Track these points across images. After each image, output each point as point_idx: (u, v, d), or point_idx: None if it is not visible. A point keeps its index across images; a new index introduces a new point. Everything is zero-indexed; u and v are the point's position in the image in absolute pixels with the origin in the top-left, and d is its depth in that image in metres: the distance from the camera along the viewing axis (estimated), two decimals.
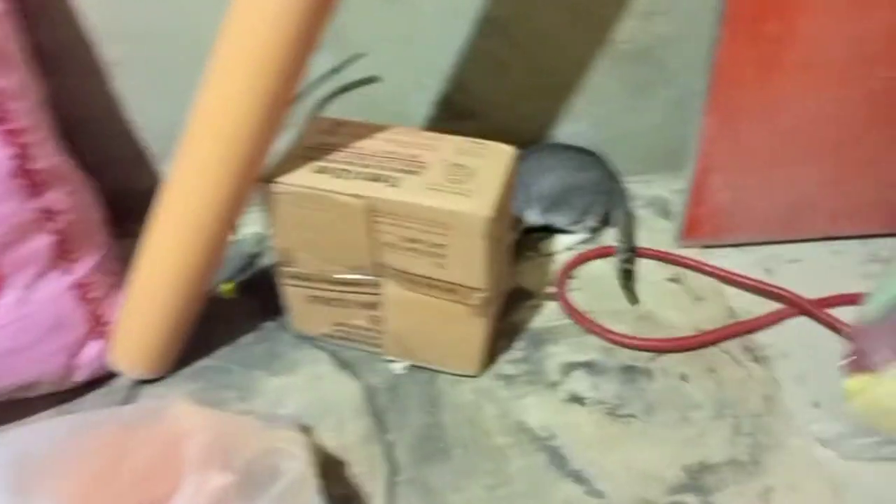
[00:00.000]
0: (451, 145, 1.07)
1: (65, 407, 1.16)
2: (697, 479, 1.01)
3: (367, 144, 1.06)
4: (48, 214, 1.06)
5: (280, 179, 1.00)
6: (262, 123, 0.94)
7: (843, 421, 1.02)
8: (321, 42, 0.96)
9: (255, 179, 1.01)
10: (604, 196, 1.36)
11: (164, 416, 0.88)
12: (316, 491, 0.85)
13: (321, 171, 1.01)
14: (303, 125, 1.12)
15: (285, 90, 0.94)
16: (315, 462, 0.95)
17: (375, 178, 0.99)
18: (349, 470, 1.05)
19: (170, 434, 0.85)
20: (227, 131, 0.93)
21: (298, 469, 0.85)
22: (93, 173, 1.26)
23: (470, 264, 0.99)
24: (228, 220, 1.04)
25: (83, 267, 1.13)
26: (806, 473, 1.02)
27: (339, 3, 0.95)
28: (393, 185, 0.98)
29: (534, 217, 1.35)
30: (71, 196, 1.10)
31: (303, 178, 1.00)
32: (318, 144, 1.06)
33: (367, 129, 1.09)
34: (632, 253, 1.33)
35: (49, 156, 1.06)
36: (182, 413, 0.89)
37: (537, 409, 1.11)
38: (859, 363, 1.09)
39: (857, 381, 1.05)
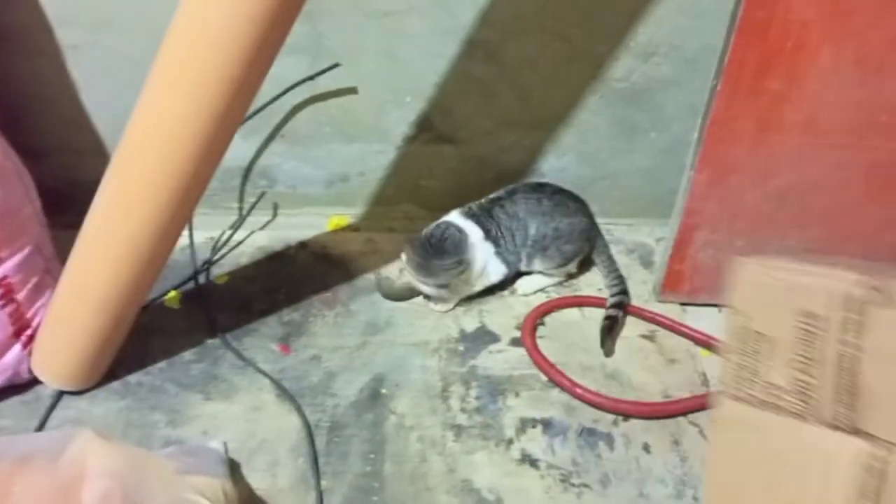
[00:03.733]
0: None
1: None
2: None
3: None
4: None
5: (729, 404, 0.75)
6: (206, 139, 0.84)
7: None
8: (274, 56, 0.86)
9: (199, 195, 0.92)
10: (588, 244, 1.29)
11: (67, 450, 0.79)
12: None
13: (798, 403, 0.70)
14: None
15: (235, 103, 0.84)
16: None
17: None
18: None
19: (69, 474, 0.76)
20: (168, 143, 0.84)
21: None
22: (39, 159, 1.17)
23: None
24: (167, 233, 0.95)
25: (7, 265, 1.04)
26: None
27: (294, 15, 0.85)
28: None
29: (521, 264, 1.27)
30: None
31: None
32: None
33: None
34: (624, 296, 1.25)
35: None
36: (87, 448, 0.79)
37: (487, 468, 1.03)
38: None
39: None
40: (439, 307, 1.25)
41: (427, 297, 1.25)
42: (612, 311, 1.22)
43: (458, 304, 1.26)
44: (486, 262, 1.23)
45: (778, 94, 1.05)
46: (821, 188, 1.14)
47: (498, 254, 1.23)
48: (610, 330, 1.20)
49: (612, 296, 1.25)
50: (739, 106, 1.06)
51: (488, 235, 1.21)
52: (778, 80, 1.04)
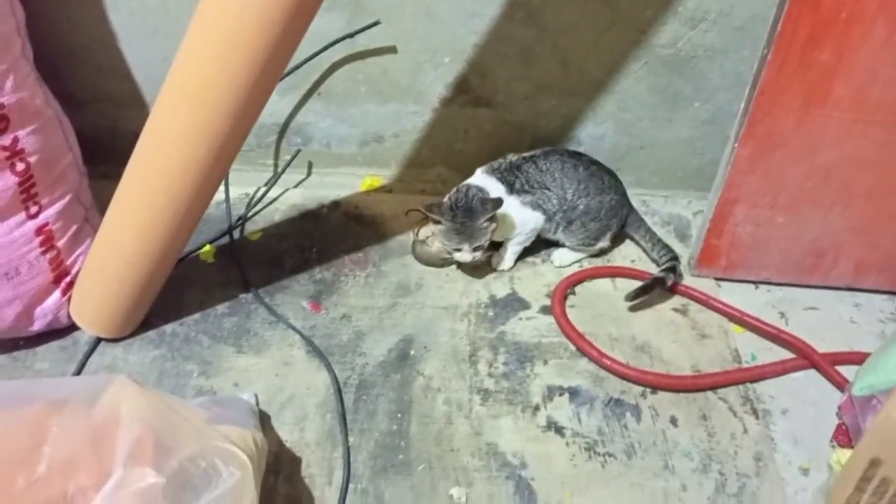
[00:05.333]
0: None
1: (17, 355, 1.10)
2: None
3: None
4: (12, 153, 0.98)
5: None
6: (245, 94, 0.84)
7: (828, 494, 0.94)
8: (315, 10, 0.85)
9: (237, 149, 0.92)
10: (616, 221, 1.27)
11: (103, 395, 0.81)
12: (252, 503, 0.77)
13: None
14: None
15: (275, 58, 0.84)
16: (260, 466, 0.88)
17: None
18: (303, 469, 0.99)
19: (103, 419, 0.78)
20: (209, 96, 0.84)
21: (238, 476, 0.77)
22: (78, 108, 1.18)
23: None
24: (204, 186, 0.95)
25: (49, 212, 1.06)
26: None
27: None
28: None
29: (548, 233, 1.27)
30: (39, 135, 1.01)
31: None
32: None
33: None
34: (677, 262, 1.24)
35: (17, 90, 0.97)
36: (122, 395, 0.81)
37: (513, 433, 1.03)
38: (846, 437, 1.02)
39: (842, 456, 0.97)
40: (503, 265, 1.26)
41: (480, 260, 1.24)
42: (662, 274, 1.21)
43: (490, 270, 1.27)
44: (515, 214, 1.21)
45: (828, 66, 1.02)
46: (866, 166, 1.11)
47: (527, 203, 1.21)
48: (649, 288, 1.19)
49: (666, 262, 1.23)
50: (788, 78, 1.03)
51: (512, 189, 1.19)
52: (829, 52, 1.01)
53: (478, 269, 1.27)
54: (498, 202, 1.15)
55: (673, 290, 1.23)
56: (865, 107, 1.05)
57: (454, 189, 1.20)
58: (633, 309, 1.20)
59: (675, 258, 1.24)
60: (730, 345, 1.17)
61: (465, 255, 1.18)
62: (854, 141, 1.08)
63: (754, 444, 1.03)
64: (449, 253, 1.20)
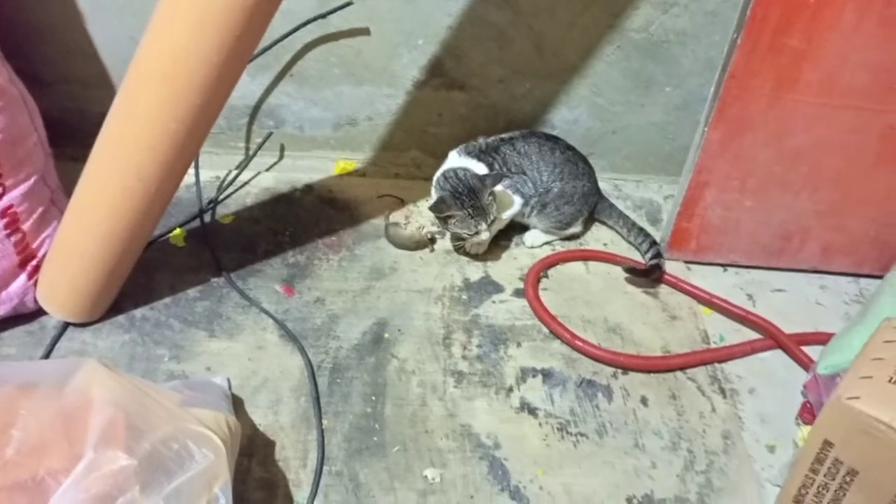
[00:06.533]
0: None
1: None
2: None
3: None
4: None
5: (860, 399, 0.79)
6: (217, 70, 0.82)
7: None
8: None
9: (207, 128, 0.91)
10: (587, 207, 1.28)
11: (73, 378, 0.79)
12: (226, 485, 0.77)
13: None
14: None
15: (247, 33, 0.82)
16: (234, 448, 0.88)
17: None
18: (277, 452, 0.98)
19: (74, 402, 0.77)
20: (182, 69, 0.82)
21: (211, 459, 0.77)
22: (44, 89, 1.16)
23: None
24: (174, 165, 0.94)
25: (13, 194, 1.03)
26: None
27: None
28: None
29: (523, 217, 1.27)
30: (3, 115, 0.98)
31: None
32: None
33: None
34: (658, 246, 1.26)
35: None
36: (92, 377, 0.80)
37: (487, 415, 1.04)
38: (810, 415, 1.04)
39: (807, 433, 0.99)
40: (478, 249, 1.25)
41: (460, 247, 1.26)
42: (656, 261, 1.22)
43: (464, 253, 1.27)
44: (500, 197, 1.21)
45: (798, 51, 1.03)
46: (835, 150, 1.13)
47: (506, 187, 1.21)
48: (647, 272, 1.22)
49: (649, 248, 1.25)
50: (759, 62, 1.04)
51: (491, 170, 1.19)
52: (799, 37, 1.02)
53: (451, 253, 1.27)
54: (498, 176, 1.16)
55: (661, 279, 1.25)
56: (834, 92, 1.07)
57: (439, 179, 1.19)
58: (629, 271, 1.24)
59: (656, 242, 1.26)
60: (699, 326, 1.19)
61: (484, 234, 1.18)
62: (823, 125, 1.10)
63: (722, 423, 1.06)
64: (467, 237, 1.19)
